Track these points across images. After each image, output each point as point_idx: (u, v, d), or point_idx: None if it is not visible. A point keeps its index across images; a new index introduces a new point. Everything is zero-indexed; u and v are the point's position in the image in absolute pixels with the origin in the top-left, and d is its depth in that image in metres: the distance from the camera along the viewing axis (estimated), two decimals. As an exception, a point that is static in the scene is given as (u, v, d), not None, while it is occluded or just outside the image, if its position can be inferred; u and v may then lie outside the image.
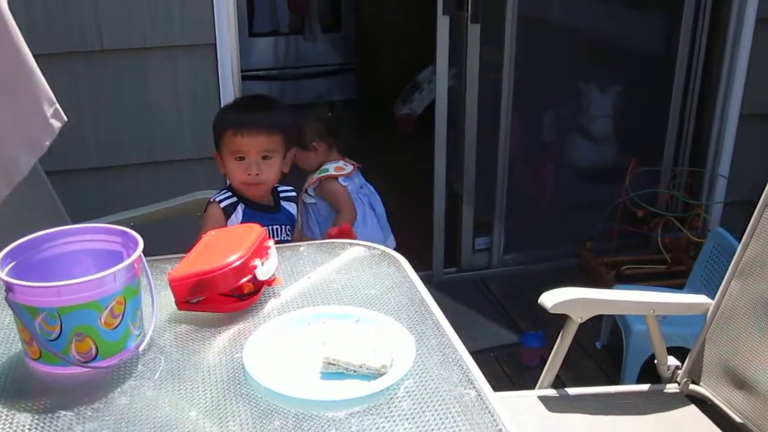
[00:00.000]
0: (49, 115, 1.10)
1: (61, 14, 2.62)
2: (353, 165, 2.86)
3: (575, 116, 3.85)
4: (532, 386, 2.01)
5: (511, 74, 3.43)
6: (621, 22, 3.71)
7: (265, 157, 2.05)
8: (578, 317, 1.84)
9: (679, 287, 3.00)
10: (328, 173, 2.80)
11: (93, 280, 1.28)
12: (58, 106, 1.13)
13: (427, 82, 5.52)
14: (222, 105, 2.81)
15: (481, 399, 1.25)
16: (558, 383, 1.97)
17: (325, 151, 2.83)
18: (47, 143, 1.11)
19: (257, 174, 2.04)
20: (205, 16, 2.77)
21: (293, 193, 2.18)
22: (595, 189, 3.88)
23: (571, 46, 3.65)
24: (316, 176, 2.79)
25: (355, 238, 2.02)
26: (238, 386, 1.28)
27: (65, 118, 1.14)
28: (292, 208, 2.16)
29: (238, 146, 2.04)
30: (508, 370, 2.97)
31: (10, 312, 1.40)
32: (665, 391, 1.97)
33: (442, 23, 3.24)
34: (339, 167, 2.82)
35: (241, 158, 2.03)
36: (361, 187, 2.89)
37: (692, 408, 1.91)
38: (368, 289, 1.58)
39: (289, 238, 2.12)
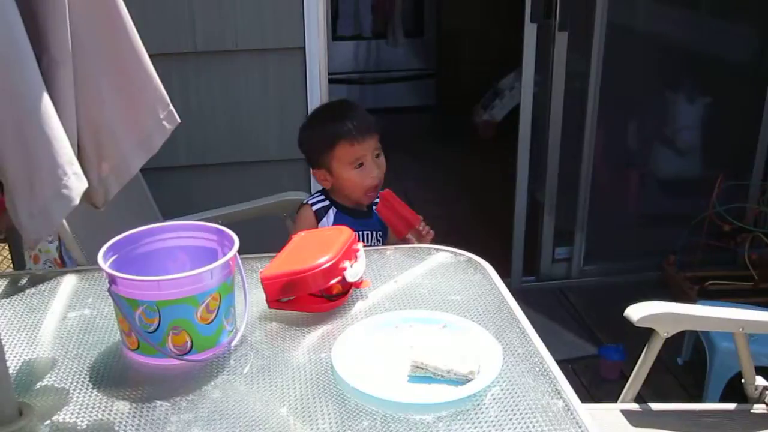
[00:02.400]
0: (162, 116, 1.14)
1: (158, 17, 2.70)
2: None
3: (661, 126, 3.78)
4: (610, 400, 1.98)
5: (597, 83, 3.39)
6: (711, 31, 3.62)
7: (377, 156, 2.08)
8: (665, 332, 1.81)
9: (766, 305, 2.91)
10: None
11: (191, 275, 1.32)
12: (172, 108, 1.16)
13: (508, 88, 5.50)
14: (309, 109, 2.85)
15: (568, 410, 1.24)
16: (637, 398, 1.94)
17: None
18: (158, 144, 1.15)
19: (378, 174, 2.07)
20: (295, 20, 2.81)
21: None
22: (679, 201, 3.80)
23: (659, 56, 3.58)
24: None
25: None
26: (327, 385, 1.30)
27: (178, 120, 1.18)
28: None
29: (356, 154, 2.04)
30: (586, 381, 2.93)
31: (109, 303, 1.46)
32: (752, 411, 1.92)
33: (530, 31, 3.22)
34: None
35: (361, 165, 2.05)
36: None
37: (781, 430, 1.85)
38: (454, 295, 1.59)
39: (380, 245, 2.13)
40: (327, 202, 2.09)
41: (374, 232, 2.12)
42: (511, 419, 1.21)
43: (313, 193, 2.21)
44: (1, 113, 0.94)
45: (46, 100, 0.95)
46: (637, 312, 1.78)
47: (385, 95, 6.10)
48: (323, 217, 2.07)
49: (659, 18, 3.61)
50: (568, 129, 3.48)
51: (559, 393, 1.28)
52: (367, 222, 2.12)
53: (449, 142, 5.62)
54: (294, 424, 1.21)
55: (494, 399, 1.26)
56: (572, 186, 3.57)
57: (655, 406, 1.91)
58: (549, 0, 3.20)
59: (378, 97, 6.05)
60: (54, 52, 0.97)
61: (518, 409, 1.24)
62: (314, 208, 2.08)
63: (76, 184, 0.96)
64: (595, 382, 2.95)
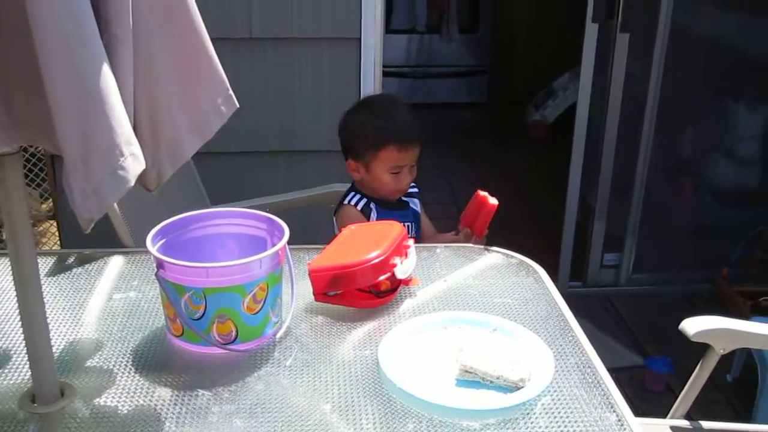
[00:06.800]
0: (220, 101, 1.12)
1: (215, 1, 2.69)
2: None
3: (721, 135, 3.67)
4: (654, 413, 1.92)
5: (657, 87, 3.30)
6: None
7: (412, 165, 2.05)
8: (721, 348, 1.74)
9: (822, 325, 2.81)
10: None
11: (240, 264, 1.29)
12: (231, 92, 1.14)
13: (562, 89, 5.42)
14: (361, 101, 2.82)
15: (621, 425, 1.20)
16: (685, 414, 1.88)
17: None
18: (215, 129, 1.12)
19: (409, 182, 2.05)
20: (352, 10, 2.78)
21: (416, 189, 2.16)
22: (735, 213, 3.69)
23: (722, 62, 3.48)
24: None
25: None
26: (372, 384, 1.27)
27: (237, 105, 1.15)
28: (415, 204, 2.15)
29: (400, 161, 2.01)
30: (630, 393, 2.86)
31: (154, 286, 1.45)
32: (807, 435, 1.84)
33: (591, 31, 3.15)
34: None
35: (398, 171, 2.02)
36: None
37: (837, 456, 1.78)
38: (505, 298, 1.54)
39: (416, 235, 2.10)
40: (366, 199, 2.06)
41: (411, 224, 2.10)
42: (561, 431, 1.17)
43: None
44: (60, 90, 0.92)
45: (107, 79, 0.93)
46: (693, 326, 1.71)
47: (436, 90, 6.06)
48: (369, 214, 2.04)
49: (724, 23, 3.50)
50: (624, 133, 3.40)
51: (612, 406, 1.24)
52: (405, 213, 2.10)
53: (499, 140, 5.56)
54: (337, 423, 1.18)
55: (544, 409, 1.22)
56: (625, 191, 3.49)
57: (706, 424, 1.84)
58: (612, 0, 3.13)
59: (429, 91, 6.01)
60: (115, 30, 0.95)
61: (569, 421, 1.19)
62: (359, 207, 2.05)
63: (133, 165, 0.94)
64: (639, 394, 2.87)
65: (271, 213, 1.47)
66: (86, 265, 1.66)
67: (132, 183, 0.93)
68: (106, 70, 0.91)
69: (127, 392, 1.25)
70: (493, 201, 1.93)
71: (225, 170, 2.89)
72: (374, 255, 1.46)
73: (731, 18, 3.50)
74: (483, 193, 1.96)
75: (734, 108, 3.62)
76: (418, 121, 2.08)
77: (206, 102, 1.10)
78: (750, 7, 3.49)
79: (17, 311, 1.19)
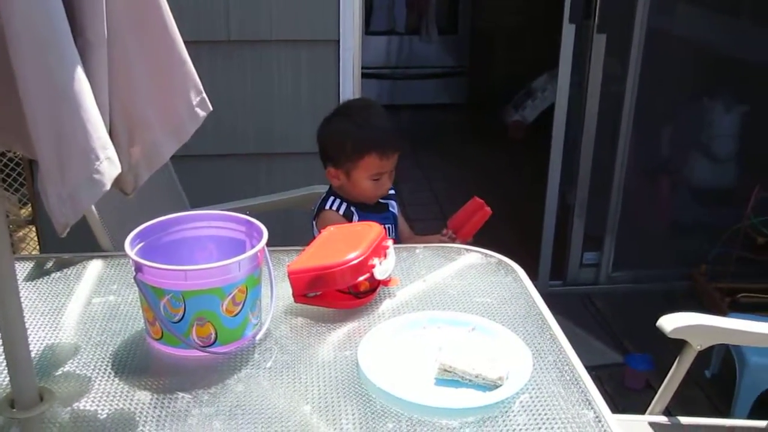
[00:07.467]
0: (195, 103, 1.12)
1: (193, 3, 2.69)
2: None
3: (698, 134, 3.71)
4: (634, 410, 1.94)
5: (634, 87, 3.33)
6: (751, 39, 3.55)
7: (392, 170, 2.06)
8: (698, 344, 1.76)
9: (799, 320, 2.84)
10: None
11: (219, 267, 1.30)
12: (204, 95, 1.14)
13: (541, 90, 5.44)
14: (341, 102, 2.82)
15: (599, 421, 1.21)
16: (663, 410, 1.89)
17: None
18: (191, 131, 1.13)
19: (388, 188, 2.07)
20: (330, 12, 2.79)
21: (393, 191, 2.17)
22: (713, 211, 3.73)
23: (698, 62, 3.52)
24: None
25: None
26: (351, 384, 1.28)
27: (210, 108, 1.15)
28: (393, 206, 2.16)
29: (381, 168, 2.01)
30: (610, 390, 2.89)
31: (134, 290, 1.44)
32: (784, 429, 1.87)
33: (568, 31, 3.18)
34: None
35: (378, 178, 2.03)
36: None
37: (813, 450, 1.80)
38: (484, 297, 1.55)
39: (395, 236, 2.11)
40: (345, 204, 2.06)
41: (391, 226, 2.11)
42: (539, 428, 1.18)
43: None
44: (35, 95, 0.92)
45: (81, 84, 0.93)
46: (670, 323, 1.73)
47: (415, 91, 6.08)
48: (351, 217, 2.05)
49: (699, 24, 3.54)
50: (602, 132, 3.43)
51: (589, 403, 1.25)
52: (385, 215, 2.11)
53: (479, 141, 5.58)
54: (317, 423, 1.19)
55: (523, 406, 1.23)
56: (604, 190, 3.52)
57: (684, 420, 1.86)
58: (588, 1, 3.15)
59: (409, 93, 6.02)
60: (89, 35, 0.95)
61: (547, 418, 1.20)
62: (340, 212, 2.05)
63: (108, 169, 0.94)
64: (619, 391, 2.90)
65: (252, 215, 1.47)
66: (65, 270, 1.65)
67: (108, 187, 0.94)
68: (81, 75, 0.91)
69: (106, 396, 1.25)
70: (488, 209, 2.02)
71: (204, 173, 2.88)
72: (353, 256, 1.46)
73: (707, 18, 3.54)
74: (480, 200, 2.04)
75: (711, 107, 3.65)
76: (396, 125, 2.09)
77: (181, 105, 1.10)
78: (725, 7, 3.54)
79: (-5, 317, 1.18)
